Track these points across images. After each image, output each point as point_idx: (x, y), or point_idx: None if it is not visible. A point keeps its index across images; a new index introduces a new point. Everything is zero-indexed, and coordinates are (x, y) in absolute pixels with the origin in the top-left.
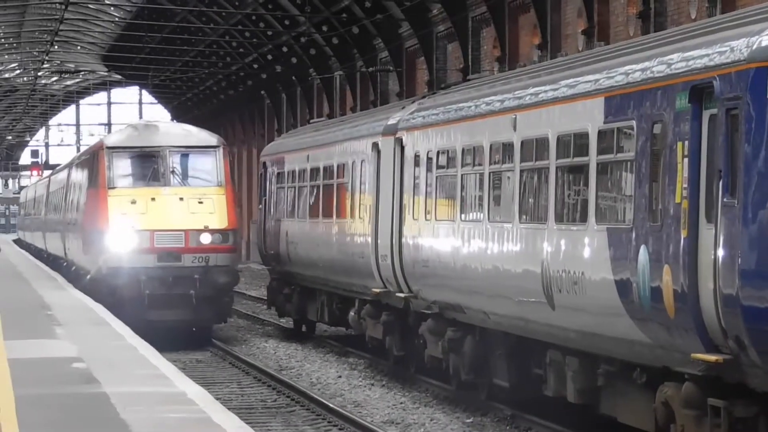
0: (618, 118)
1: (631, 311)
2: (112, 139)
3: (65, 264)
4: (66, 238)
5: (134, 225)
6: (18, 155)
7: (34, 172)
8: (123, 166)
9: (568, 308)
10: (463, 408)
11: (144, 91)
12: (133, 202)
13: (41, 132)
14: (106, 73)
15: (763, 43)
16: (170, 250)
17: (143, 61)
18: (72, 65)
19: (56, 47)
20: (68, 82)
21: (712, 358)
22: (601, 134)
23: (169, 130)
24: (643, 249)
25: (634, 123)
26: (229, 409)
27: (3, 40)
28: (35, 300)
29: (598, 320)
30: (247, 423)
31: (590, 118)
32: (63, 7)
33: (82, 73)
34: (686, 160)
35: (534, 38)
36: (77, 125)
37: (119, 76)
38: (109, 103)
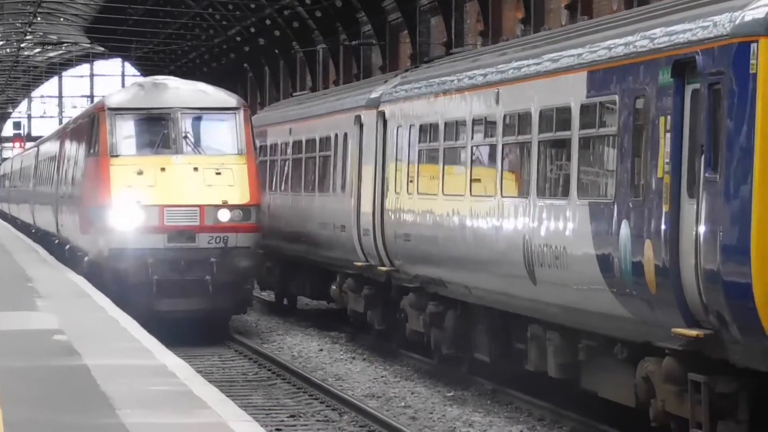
0: (600, 93)
1: (613, 286)
2: (115, 99)
3: (57, 241)
4: (59, 213)
5: (141, 199)
6: (0, 128)
7: (17, 144)
8: (127, 131)
9: (549, 283)
10: (444, 382)
11: (127, 64)
12: (140, 173)
13: (23, 104)
14: (89, 45)
15: (746, 18)
16: (183, 229)
17: (126, 33)
18: (55, 37)
19: (39, 18)
20: (51, 54)
21: (693, 333)
22: (584, 108)
23: (181, 89)
24: (624, 224)
25: (616, 98)
26: (210, 382)
27: None
28: (16, 272)
29: (579, 295)
30: (228, 396)
31: (573, 93)
32: None
33: (65, 45)
34: (668, 134)
35: (517, 12)
36: (60, 97)
37: (102, 48)
38: (92, 76)
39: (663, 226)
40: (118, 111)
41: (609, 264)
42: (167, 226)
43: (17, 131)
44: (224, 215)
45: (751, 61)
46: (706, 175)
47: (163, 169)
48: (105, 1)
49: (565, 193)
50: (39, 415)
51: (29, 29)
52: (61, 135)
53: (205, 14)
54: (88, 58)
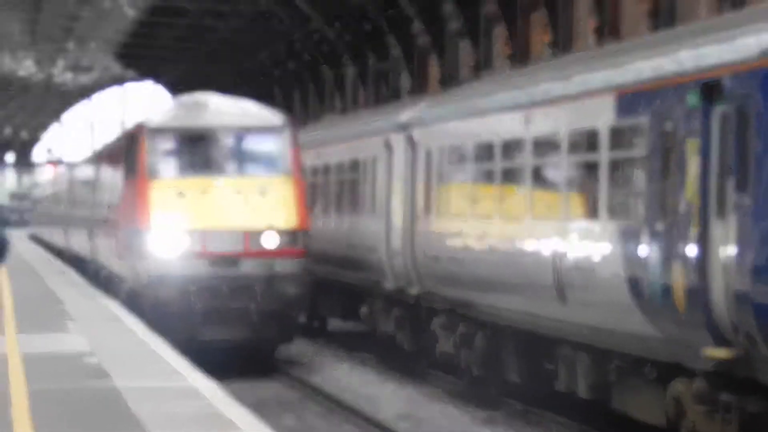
0: (629, 116)
1: (642, 307)
2: (155, 119)
3: (92, 266)
4: (94, 237)
5: (182, 224)
6: (32, 152)
7: (48, 168)
8: (168, 152)
9: (579, 303)
10: (475, 403)
11: (159, 87)
12: (181, 196)
13: (55, 129)
14: (120, 70)
15: None
16: (226, 255)
17: (157, 57)
18: (86, 61)
19: (71, 44)
20: (83, 78)
21: (723, 353)
22: (613, 131)
23: (223, 108)
24: (654, 244)
25: (645, 120)
26: (240, 403)
27: (19, 37)
28: (48, 295)
29: (609, 316)
30: (258, 418)
31: (602, 115)
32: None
33: (97, 69)
34: (697, 156)
35: (545, 36)
36: (92, 122)
37: (134, 72)
38: (124, 100)
39: (692, 248)
40: (158, 131)
41: (639, 285)
42: (209, 252)
43: (49, 156)
44: (269, 240)
45: None
46: (735, 196)
47: (205, 192)
48: (136, 27)
49: (595, 215)
50: None
51: (61, 55)
52: (97, 158)
53: (235, 38)
54: (120, 82)
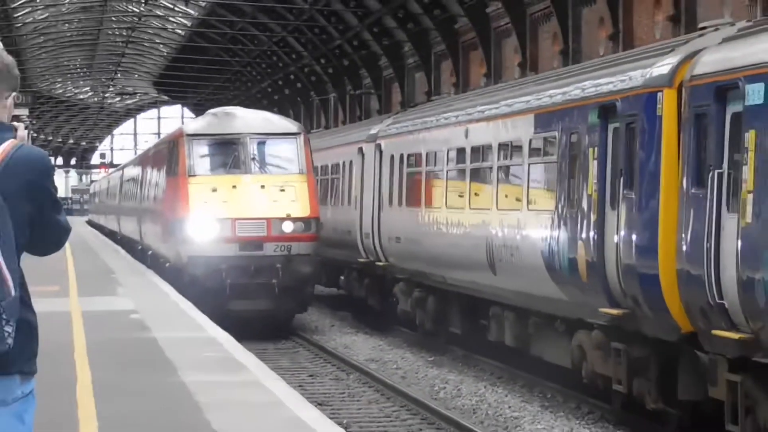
0: (545, 130)
1: (554, 277)
2: (192, 127)
3: (140, 247)
4: (142, 224)
5: (215, 213)
6: (90, 157)
7: (102, 170)
8: (203, 154)
9: (506, 274)
10: (426, 349)
11: (185, 109)
12: (214, 190)
13: (107, 140)
14: (156, 95)
15: (654, 74)
16: (252, 239)
17: (184, 85)
18: (131, 88)
19: (119, 75)
20: (128, 101)
21: (614, 311)
22: (532, 142)
23: (249, 117)
24: (564, 228)
25: (556, 134)
26: (249, 350)
27: (79, 69)
28: (102, 266)
29: (529, 284)
30: (262, 360)
31: (524, 130)
32: (124, 44)
33: (139, 94)
34: (596, 161)
35: (482, 69)
36: (135, 134)
37: (166, 97)
38: (159, 118)
39: (592, 231)
40: (195, 137)
41: (552, 259)
42: (238, 237)
43: (102, 160)
44: (288, 227)
45: (658, 106)
46: (624, 192)
47: (234, 187)
48: (168, 61)
49: (519, 205)
50: (119, 376)
51: (111, 83)
52: (143, 159)
53: (245, 71)
54: (156, 104)
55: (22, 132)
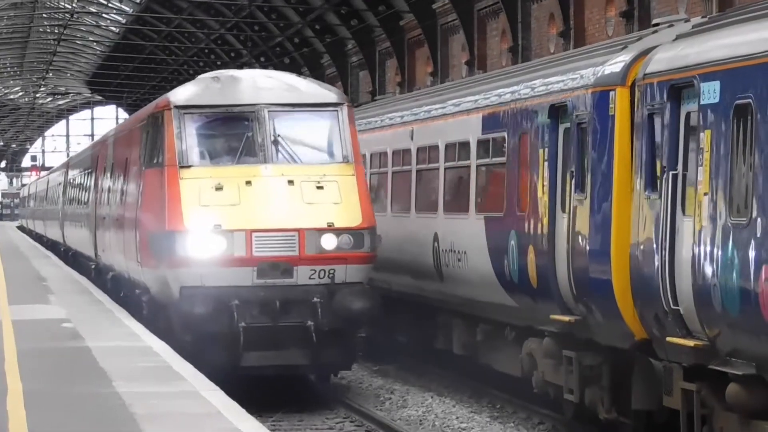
0: (493, 131)
1: (504, 283)
2: (183, 95)
3: (94, 266)
4: (99, 236)
5: (221, 223)
6: (20, 160)
7: (33, 173)
8: (201, 134)
9: (454, 280)
10: (373, 359)
11: (120, 109)
12: (219, 189)
13: (38, 141)
14: (90, 95)
15: (606, 72)
16: (277, 261)
17: (119, 85)
18: (63, 88)
19: (50, 74)
20: (60, 102)
21: (566, 318)
22: (480, 143)
23: (266, 83)
24: (513, 233)
25: (505, 134)
26: (186, 359)
27: (9, 68)
28: (33, 273)
29: (477, 290)
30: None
31: (471, 130)
32: (56, 42)
33: (71, 94)
34: (546, 163)
35: (428, 67)
36: (67, 136)
37: (100, 97)
38: (92, 119)
39: (542, 235)
40: (188, 109)
41: (501, 264)
42: (256, 257)
43: (34, 162)
44: (330, 242)
45: (610, 105)
46: (575, 194)
47: (248, 183)
48: (102, 60)
49: (466, 209)
50: (51, 386)
51: (43, 82)
52: (100, 148)
53: (182, 69)
54: (89, 104)
55: None
